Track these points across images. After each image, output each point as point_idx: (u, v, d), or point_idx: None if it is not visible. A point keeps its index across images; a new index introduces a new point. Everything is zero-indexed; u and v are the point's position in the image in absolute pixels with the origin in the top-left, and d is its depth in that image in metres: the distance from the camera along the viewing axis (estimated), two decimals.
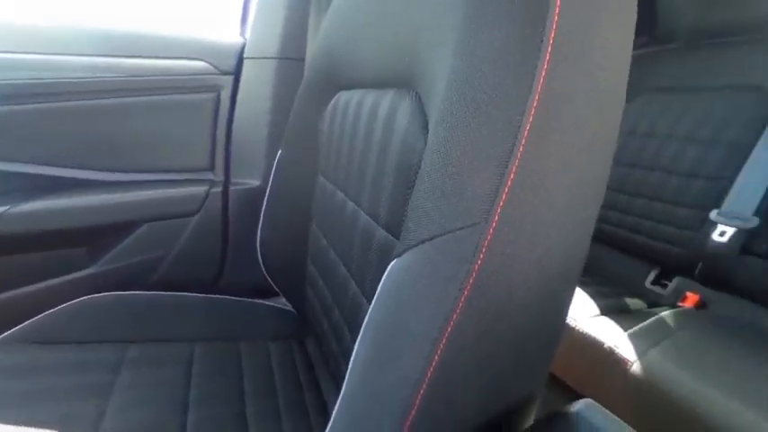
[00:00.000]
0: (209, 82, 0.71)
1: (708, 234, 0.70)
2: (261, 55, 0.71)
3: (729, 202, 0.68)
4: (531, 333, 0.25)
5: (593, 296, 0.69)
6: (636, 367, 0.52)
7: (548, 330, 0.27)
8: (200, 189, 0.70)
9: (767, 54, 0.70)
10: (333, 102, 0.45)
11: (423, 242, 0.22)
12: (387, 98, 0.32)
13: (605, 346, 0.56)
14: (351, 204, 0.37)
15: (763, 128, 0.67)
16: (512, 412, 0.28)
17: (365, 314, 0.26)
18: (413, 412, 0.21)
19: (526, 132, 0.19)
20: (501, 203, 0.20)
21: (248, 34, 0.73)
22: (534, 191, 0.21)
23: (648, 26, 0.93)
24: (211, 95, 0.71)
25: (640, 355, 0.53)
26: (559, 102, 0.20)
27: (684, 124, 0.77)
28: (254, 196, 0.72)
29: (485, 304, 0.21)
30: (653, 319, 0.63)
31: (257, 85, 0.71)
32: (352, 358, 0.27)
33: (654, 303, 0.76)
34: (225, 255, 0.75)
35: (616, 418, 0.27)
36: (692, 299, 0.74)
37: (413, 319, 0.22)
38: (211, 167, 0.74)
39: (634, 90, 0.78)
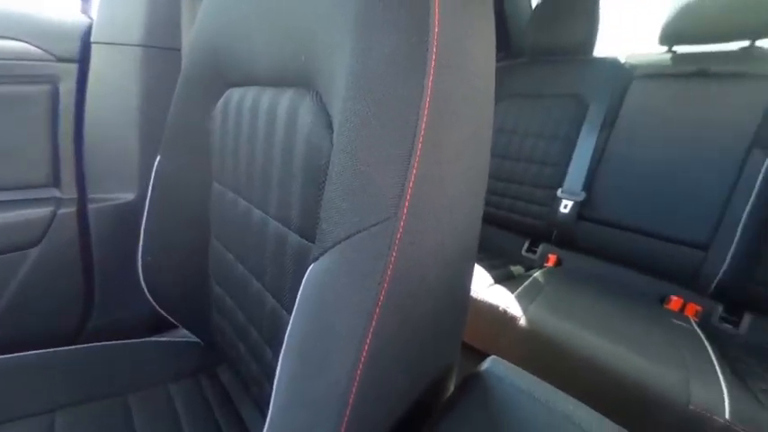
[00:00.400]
0: (41, 70, 0.54)
1: (557, 208, 0.91)
2: (116, 40, 0.58)
3: (567, 183, 0.90)
4: (443, 311, 0.28)
5: (486, 269, 0.81)
6: (522, 321, 0.64)
7: (457, 305, 0.31)
8: (41, 211, 0.54)
9: (580, 69, 0.94)
10: (222, 100, 0.40)
11: (339, 242, 0.22)
12: (286, 97, 0.30)
13: (500, 308, 0.67)
14: (257, 212, 0.35)
15: (578, 124, 0.90)
16: (436, 385, 0.31)
17: (286, 326, 0.25)
18: (347, 412, 0.22)
19: (422, 131, 0.21)
20: (408, 197, 0.21)
21: (95, 14, 0.58)
22: (434, 182, 0.23)
23: (504, 44, 1.15)
24: (45, 88, 0.55)
25: (524, 310, 0.65)
26: (446, 102, 0.23)
27: (535, 123, 0.97)
28: (127, 213, 0.59)
29: (402, 294, 0.23)
30: (529, 280, 0.78)
31: (115, 78, 0.58)
32: (276, 376, 0.25)
33: (529, 267, 0.95)
34: (90, 290, 0.59)
35: (516, 367, 0.32)
36: (552, 259, 0.96)
37: (337, 321, 0.22)
38: (56, 182, 0.58)
39: (498, 95, 0.94)
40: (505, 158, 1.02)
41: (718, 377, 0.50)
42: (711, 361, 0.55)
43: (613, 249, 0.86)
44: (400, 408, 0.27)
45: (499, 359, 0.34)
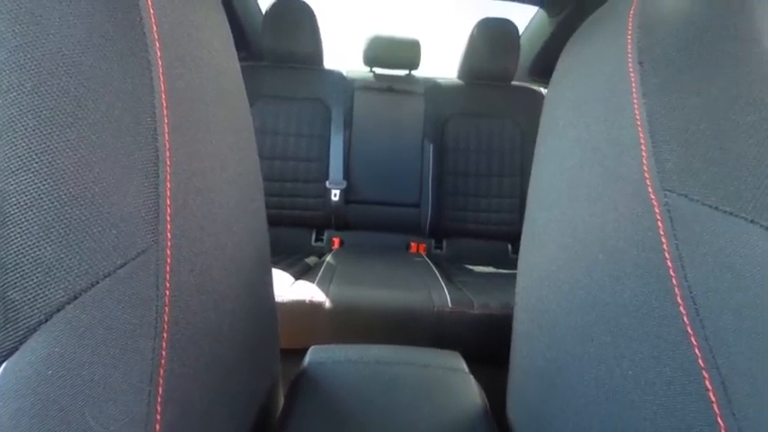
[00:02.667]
0: None
1: (329, 198, 1.05)
2: None
3: (331, 175, 1.06)
4: (249, 325, 0.27)
5: (284, 269, 0.83)
6: (327, 303, 0.71)
7: (264, 315, 0.30)
8: None
9: (319, 78, 1.10)
10: None
11: (60, 309, 0.14)
12: None
13: (306, 301, 0.71)
14: None
15: (328, 124, 1.07)
16: (263, 398, 0.30)
17: None
18: None
19: (166, 135, 0.18)
20: (168, 219, 0.18)
21: None
22: (200, 193, 0.20)
23: (243, 44, 1.13)
24: None
25: (326, 293, 0.72)
26: (190, 102, 0.20)
27: (292, 124, 1.05)
28: None
29: (191, 319, 0.20)
30: (323, 266, 0.87)
31: None
32: None
33: (321, 254, 1.05)
34: None
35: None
36: (336, 242, 1.11)
37: (103, 389, 0.16)
38: None
39: (252, 96, 0.94)
40: (274, 159, 1.04)
41: (442, 285, 0.78)
42: (436, 276, 0.84)
43: (373, 220, 1.12)
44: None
45: (317, 347, 0.36)
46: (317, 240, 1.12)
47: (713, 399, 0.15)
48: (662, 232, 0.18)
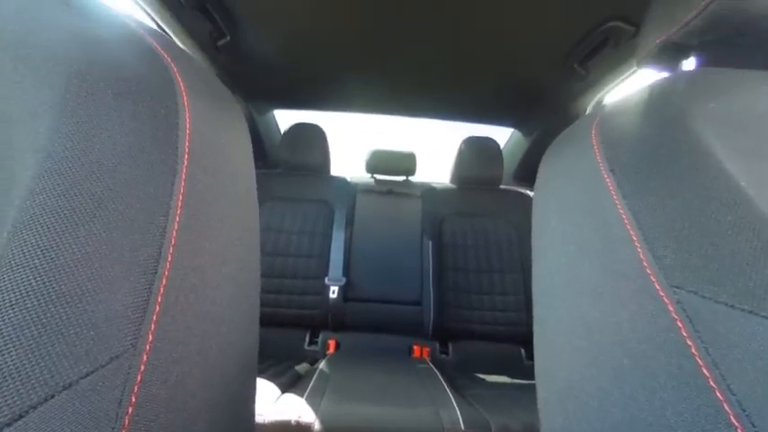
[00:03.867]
0: None
1: (327, 295, 1.01)
2: None
3: (331, 271, 1.05)
4: None
5: (270, 378, 0.73)
6: (317, 425, 0.60)
7: (240, 427, 0.25)
8: None
9: (325, 182, 1.20)
10: None
11: (22, 416, 0.13)
12: None
13: (292, 422, 0.60)
14: None
15: (330, 223, 1.11)
16: None
17: None
18: None
19: (174, 233, 0.18)
20: (155, 316, 0.17)
21: None
22: (194, 290, 0.19)
23: (261, 155, 1.29)
24: None
25: (317, 411, 0.62)
26: (205, 204, 0.21)
27: (297, 222, 1.10)
28: None
29: (159, 426, 0.16)
30: (315, 375, 0.77)
31: None
32: None
33: (314, 360, 0.95)
34: None
35: None
36: (332, 345, 1.02)
37: None
38: None
39: (260, 198, 0.99)
40: (276, 255, 1.05)
41: (451, 400, 0.67)
42: (444, 388, 0.74)
43: (372, 319, 1.05)
44: None
45: None
46: (310, 343, 1.03)
47: None
48: (685, 334, 0.17)
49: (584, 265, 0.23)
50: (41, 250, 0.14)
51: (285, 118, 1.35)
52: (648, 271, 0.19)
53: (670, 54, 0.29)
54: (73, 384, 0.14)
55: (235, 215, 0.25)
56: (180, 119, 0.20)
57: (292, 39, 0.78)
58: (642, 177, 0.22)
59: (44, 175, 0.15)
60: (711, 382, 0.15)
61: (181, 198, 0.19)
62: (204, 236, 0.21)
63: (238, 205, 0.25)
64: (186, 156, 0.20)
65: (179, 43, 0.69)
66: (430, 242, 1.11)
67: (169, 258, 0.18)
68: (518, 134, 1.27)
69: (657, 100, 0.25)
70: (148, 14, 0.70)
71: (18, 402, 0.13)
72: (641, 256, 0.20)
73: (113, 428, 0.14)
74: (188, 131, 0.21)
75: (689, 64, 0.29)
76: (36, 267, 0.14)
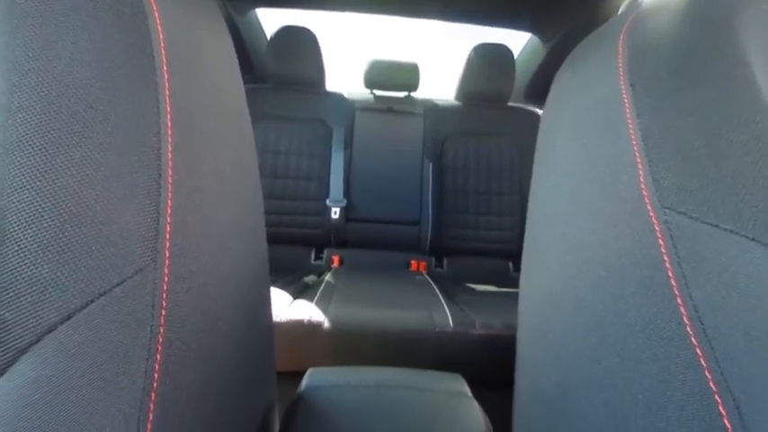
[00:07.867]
0: None
1: (329, 216, 1.05)
2: None
3: (332, 193, 1.06)
4: (245, 346, 0.26)
5: (282, 287, 0.81)
6: (326, 323, 0.69)
7: (260, 337, 0.29)
8: None
9: (321, 99, 1.12)
10: None
11: (51, 330, 0.14)
12: None
13: (304, 321, 0.69)
14: None
15: (328, 144, 1.09)
16: (258, 423, 0.29)
17: None
18: None
19: (169, 154, 0.18)
20: (167, 235, 0.18)
21: None
22: (199, 210, 0.20)
23: (248, 68, 1.17)
24: None
25: (325, 312, 0.71)
26: (194, 120, 0.20)
27: (294, 143, 1.07)
28: None
29: (186, 340, 0.19)
30: (323, 285, 0.85)
31: None
32: None
33: (320, 273, 1.04)
34: None
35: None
36: (336, 260, 1.10)
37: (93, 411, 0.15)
38: None
39: (254, 116, 0.94)
40: (276, 177, 1.05)
41: (443, 305, 0.76)
42: (438, 295, 0.83)
43: (373, 238, 1.11)
44: None
45: (315, 369, 0.35)
46: (316, 259, 1.11)
47: (728, 426, 0.14)
48: (663, 250, 0.18)
49: (585, 188, 0.23)
50: (40, 172, 0.14)
51: (270, 22, 1.19)
52: (644, 193, 0.19)
53: None
54: (107, 292, 0.15)
55: (227, 134, 0.24)
56: (149, 20, 0.18)
57: None
58: (666, 91, 0.21)
59: (15, 91, 0.14)
60: (675, 290, 0.17)
61: (169, 117, 0.18)
62: (198, 157, 0.20)
63: (229, 123, 0.24)
64: (165, 66, 0.18)
65: None
66: (431, 164, 1.10)
67: (169, 181, 0.18)
68: (535, 40, 1.14)
69: None
70: None
71: (64, 306, 0.14)
72: (641, 179, 0.20)
73: (151, 326, 0.16)
74: (161, 35, 0.18)
75: None
76: (41, 189, 0.14)
